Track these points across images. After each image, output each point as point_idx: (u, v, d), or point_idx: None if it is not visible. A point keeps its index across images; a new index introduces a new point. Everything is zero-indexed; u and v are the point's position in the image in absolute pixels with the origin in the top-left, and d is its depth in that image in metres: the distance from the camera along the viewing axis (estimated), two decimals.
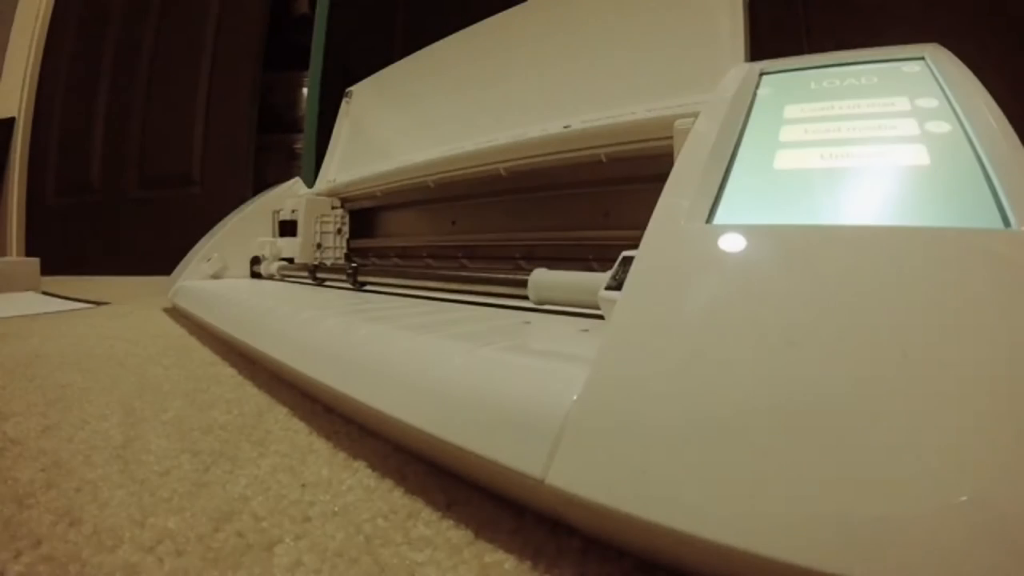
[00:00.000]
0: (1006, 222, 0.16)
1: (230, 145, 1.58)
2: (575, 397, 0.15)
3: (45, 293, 0.99)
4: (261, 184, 1.35)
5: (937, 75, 0.25)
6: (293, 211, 0.80)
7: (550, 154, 0.49)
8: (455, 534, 0.15)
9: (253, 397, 0.33)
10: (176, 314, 0.71)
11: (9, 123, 1.82)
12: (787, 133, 0.23)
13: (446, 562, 0.14)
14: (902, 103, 0.23)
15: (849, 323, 0.14)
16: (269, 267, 0.76)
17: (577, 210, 0.52)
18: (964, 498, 0.10)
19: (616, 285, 0.22)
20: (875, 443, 0.12)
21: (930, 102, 0.23)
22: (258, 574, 0.14)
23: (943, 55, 0.26)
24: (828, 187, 0.19)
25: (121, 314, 0.73)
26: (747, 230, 0.18)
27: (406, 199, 0.69)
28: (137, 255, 1.63)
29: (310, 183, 0.87)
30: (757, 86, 0.28)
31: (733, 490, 0.12)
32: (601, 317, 0.24)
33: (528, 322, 0.31)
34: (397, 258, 0.73)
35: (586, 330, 0.27)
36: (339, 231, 0.81)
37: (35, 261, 1.21)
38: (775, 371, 0.13)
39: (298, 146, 1.56)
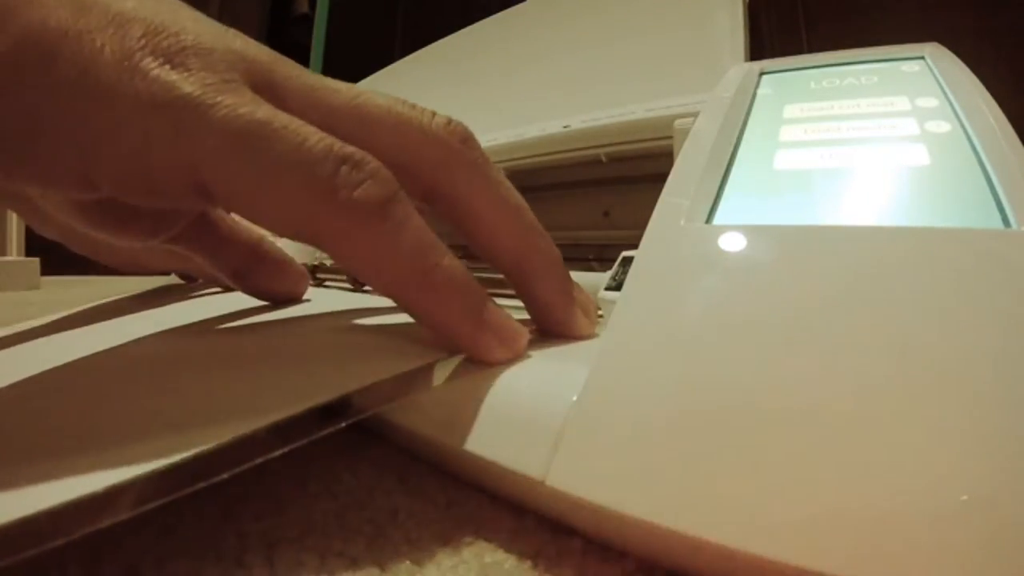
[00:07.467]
0: (1006, 222, 0.16)
1: None
2: (575, 398, 0.15)
3: None
4: None
5: (937, 75, 0.25)
6: None
7: (549, 154, 0.49)
8: (455, 534, 0.15)
9: None
10: None
11: None
12: (787, 133, 0.23)
13: (446, 562, 0.14)
14: (902, 103, 0.23)
15: (849, 323, 0.14)
16: None
17: (577, 210, 0.52)
18: (964, 498, 0.10)
19: (616, 285, 0.22)
20: (875, 443, 0.12)
21: (930, 102, 0.23)
22: (258, 574, 0.14)
23: (943, 55, 0.26)
24: (828, 187, 0.19)
25: None
26: (747, 230, 0.18)
27: None
28: None
29: None
30: (757, 86, 0.28)
31: (734, 491, 0.12)
32: (601, 317, 0.24)
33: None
34: None
35: None
36: None
37: (35, 261, 1.21)
38: (775, 372, 0.13)
39: None
